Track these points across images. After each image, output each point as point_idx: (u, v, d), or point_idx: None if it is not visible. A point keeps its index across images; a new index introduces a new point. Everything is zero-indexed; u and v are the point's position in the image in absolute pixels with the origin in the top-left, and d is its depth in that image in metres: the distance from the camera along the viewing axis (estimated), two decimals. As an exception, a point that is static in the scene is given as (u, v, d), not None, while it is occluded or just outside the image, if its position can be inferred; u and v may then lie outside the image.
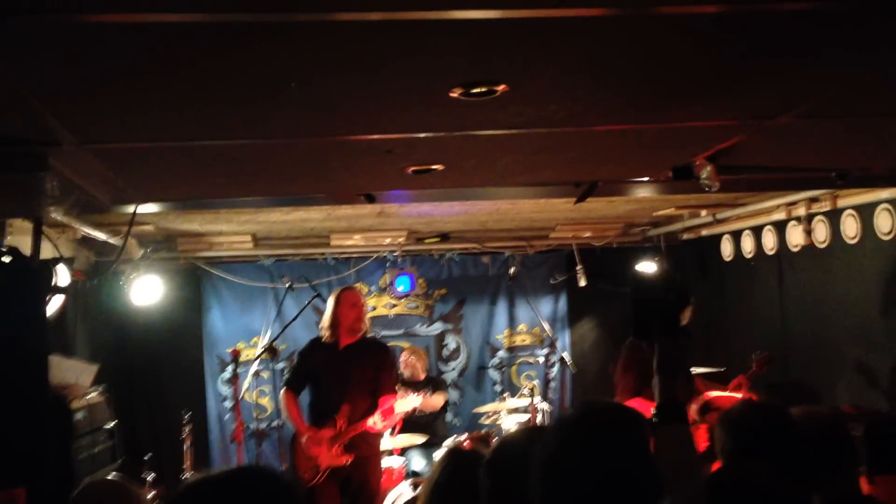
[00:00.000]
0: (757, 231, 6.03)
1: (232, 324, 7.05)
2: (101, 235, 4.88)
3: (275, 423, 6.92)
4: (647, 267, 6.60)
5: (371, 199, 3.69)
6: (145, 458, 5.07)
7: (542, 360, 7.29)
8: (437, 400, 6.33)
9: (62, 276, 3.53)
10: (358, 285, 6.90)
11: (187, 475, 5.25)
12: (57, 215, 3.15)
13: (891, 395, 4.77)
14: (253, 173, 3.06)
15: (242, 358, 6.21)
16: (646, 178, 3.51)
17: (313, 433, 4.89)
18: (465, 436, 5.90)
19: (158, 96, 1.98)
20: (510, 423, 6.04)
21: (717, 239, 6.65)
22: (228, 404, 6.84)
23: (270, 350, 5.97)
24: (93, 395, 4.69)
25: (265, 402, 7.01)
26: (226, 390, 6.96)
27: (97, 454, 4.55)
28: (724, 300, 6.77)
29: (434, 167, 2.94)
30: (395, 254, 7.02)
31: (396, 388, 5.21)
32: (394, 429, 5.77)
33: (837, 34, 1.77)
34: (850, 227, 4.97)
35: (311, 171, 3.07)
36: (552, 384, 7.31)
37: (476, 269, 7.40)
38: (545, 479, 1.64)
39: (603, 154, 2.99)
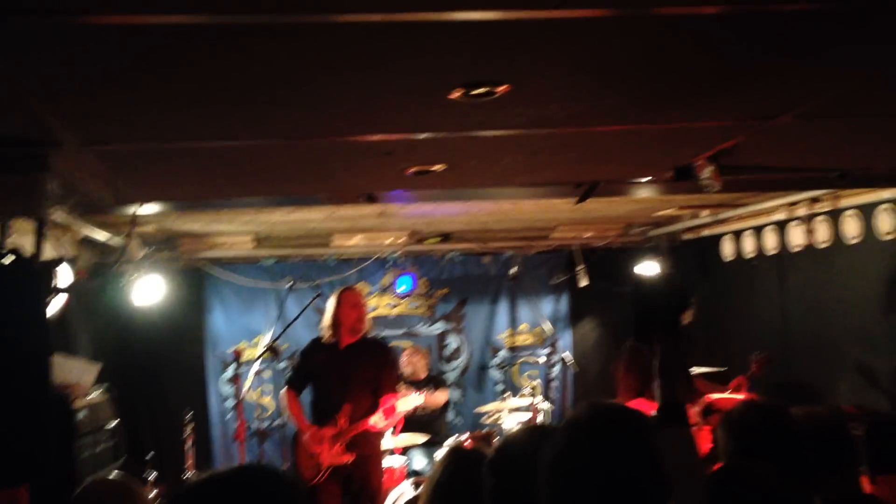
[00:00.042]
0: (758, 231, 6.02)
1: (234, 324, 7.06)
2: (102, 236, 4.88)
3: (277, 423, 6.91)
4: (647, 267, 6.58)
5: (372, 200, 3.69)
6: (147, 457, 5.08)
7: (543, 359, 7.29)
8: (439, 397, 6.34)
9: (64, 276, 3.53)
10: (359, 285, 6.91)
11: (189, 474, 5.25)
12: (58, 216, 3.15)
13: (892, 395, 4.76)
14: (254, 174, 3.06)
15: (244, 358, 6.21)
16: (647, 179, 3.51)
17: (315, 431, 4.90)
18: (466, 435, 5.90)
19: (159, 97, 1.98)
20: (511, 423, 6.04)
21: (717, 239, 6.63)
22: (230, 404, 6.82)
23: (272, 350, 5.97)
24: (95, 395, 4.70)
25: (267, 401, 7.03)
26: (227, 390, 6.96)
27: (99, 453, 4.56)
28: (724, 300, 6.75)
29: (435, 168, 2.94)
30: (396, 254, 7.03)
31: (397, 387, 5.21)
32: (395, 428, 5.77)
33: (837, 34, 1.77)
34: (851, 228, 4.96)
35: (312, 171, 3.07)
36: (554, 384, 7.30)
37: (477, 270, 7.39)
38: (552, 480, 1.65)
39: (604, 154, 2.99)
